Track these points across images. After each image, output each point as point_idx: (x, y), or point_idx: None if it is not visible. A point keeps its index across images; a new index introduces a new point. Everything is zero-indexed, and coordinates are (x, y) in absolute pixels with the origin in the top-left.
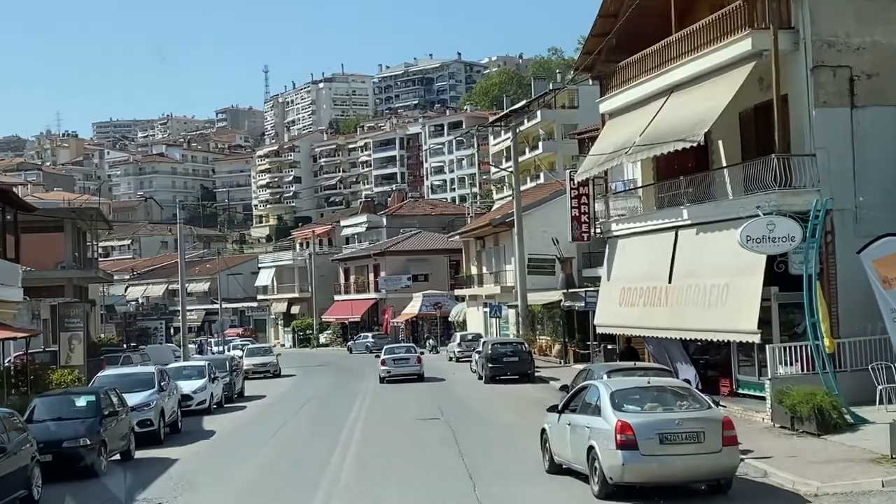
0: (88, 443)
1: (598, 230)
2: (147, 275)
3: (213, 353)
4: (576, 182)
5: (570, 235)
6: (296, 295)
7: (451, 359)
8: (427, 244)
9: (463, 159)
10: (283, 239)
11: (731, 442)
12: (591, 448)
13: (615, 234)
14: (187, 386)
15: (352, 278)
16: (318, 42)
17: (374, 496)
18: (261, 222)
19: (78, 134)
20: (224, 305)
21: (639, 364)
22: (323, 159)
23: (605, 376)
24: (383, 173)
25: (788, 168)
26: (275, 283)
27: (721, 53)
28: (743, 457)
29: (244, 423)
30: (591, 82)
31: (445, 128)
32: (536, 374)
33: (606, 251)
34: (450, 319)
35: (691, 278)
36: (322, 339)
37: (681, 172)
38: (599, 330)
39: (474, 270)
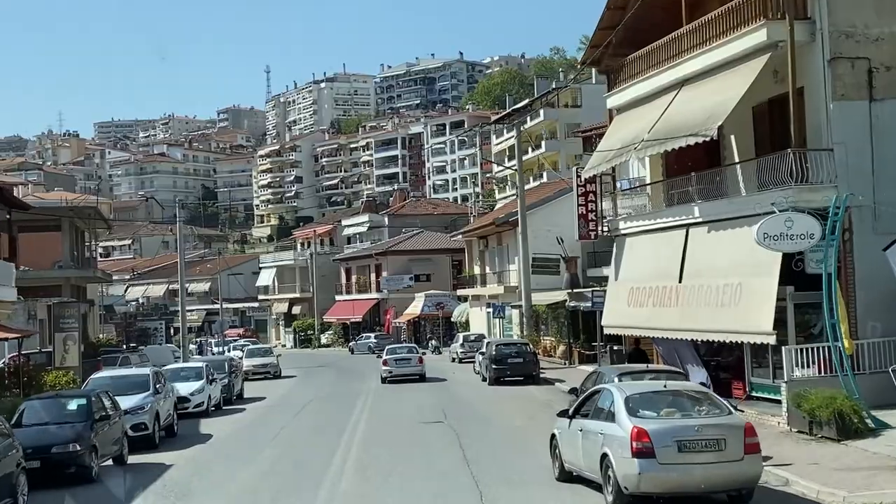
0: (78, 448)
1: (605, 228)
2: (147, 275)
3: (213, 354)
4: (583, 179)
5: (577, 234)
6: (297, 295)
7: (453, 360)
8: (429, 244)
9: (465, 159)
10: (284, 239)
11: (753, 450)
12: (604, 456)
13: (623, 232)
14: (184, 388)
15: (353, 278)
16: (320, 42)
17: None
18: (262, 222)
19: (79, 134)
20: (225, 306)
21: (651, 366)
22: (324, 159)
23: (616, 379)
24: (385, 173)
25: (805, 163)
26: (276, 284)
27: (734, 45)
28: (762, 464)
29: (243, 426)
30: (594, 81)
31: (447, 127)
32: (541, 375)
33: (614, 250)
34: (452, 320)
35: (703, 277)
36: (323, 340)
37: (691, 169)
38: (607, 331)
39: (477, 270)
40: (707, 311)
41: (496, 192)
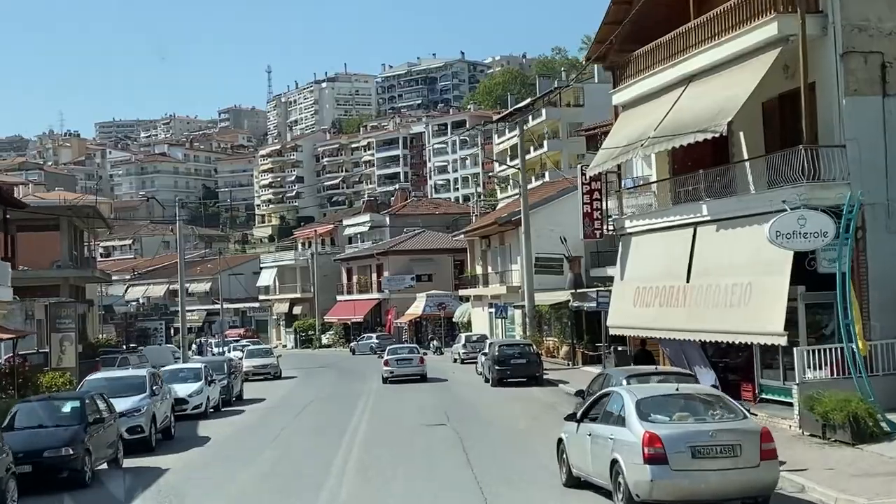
0: (71, 452)
1: (610, 227)
2: (148, 275)
3: (213, 355)
4: (588, 177)
5: (582, 233)
6: (298, 295)
7: (455, 360)
8: (431, 244)
9: (466, 158)
10: (285, 239)
11: (769, 455)
12: (614, 461)
13: (629, 231)
14: (182, 389)
15: (354, 278)
16: (321, 42)
17: None
18: (263, 222)
19: (80, 134)
20: (225, 306)
21: (660, 368)
22: (326, 159)
23: (624, 382)
24: (386, 173)
25: (817, 160)
26: (277, 284)
27: (743, 40)
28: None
29: (241, 428)
30: (596, 80)
31: (449, 127)
32: (545, 376)
33: (619, 249)
34: (454, 320)
35: (711, 277)
36: (324, 340)
37: (698, 167)
38: (612, 331)
39: (479, 270)
40: (716, 312)
41: (498, 191)
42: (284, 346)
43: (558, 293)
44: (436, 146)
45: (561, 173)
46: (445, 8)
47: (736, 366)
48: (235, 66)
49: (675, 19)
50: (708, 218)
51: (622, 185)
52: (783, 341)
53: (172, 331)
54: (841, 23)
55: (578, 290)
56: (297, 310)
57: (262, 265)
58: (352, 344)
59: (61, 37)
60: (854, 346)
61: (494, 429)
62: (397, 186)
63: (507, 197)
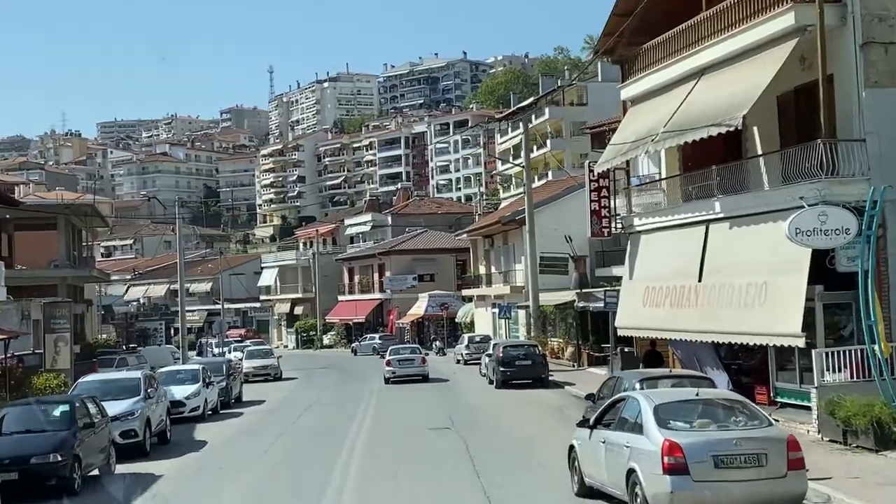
0: (60, 458)
1: (619, 225)
2: (148, 275)
3: (213, 355)
4: (595, 174)
5: (590, 231)
6: (299, 295)
7: (458, 361)
8: (433, 243)
9: (469, 158)
10: (286, 239)
11: (797, 465)
12: (631, 471)
13: (638, 229)
14: (180, 391)
15: (356, 278)
16: (323, 42)
17: None
18: (265, 222)
19: (81, 133)
20: (226, 306)
21: (674, 371)
22: (327, 159)
23: (637, 385)
24: (388, 172)
25: (835, 155)
26: (278, 284)
27: (758, 31)
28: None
29: (239, 432)
30: (600, 79)
31: (451, 127)
32: (550, 378)
33: (628, 248)
34: (457, 321)
35: (724, 276)
36: (326, 341)
37: (709, 163)
38: (621, 332)
39: (482, 270)
40: (729, 312)
41: (500, 191)
42: (286, 346)
43: (563, 293)
44: (438, 146)
45: (565, 171)
46: (447, 8)
47: (749, 368)
48: (237, 66)
49: (685, 11)
50: (721, 215)
51: (631, 182)
52: (801, 343)
53: (172, 331)
54: (860, 12)
55: (584, 290)
56: (298, 310)
57: (263, 265)
58: (354, 344)
59: (61, 37)
60: (877, 348)
61: (500, 433)
62: (399, 186)
63: (509, 197)
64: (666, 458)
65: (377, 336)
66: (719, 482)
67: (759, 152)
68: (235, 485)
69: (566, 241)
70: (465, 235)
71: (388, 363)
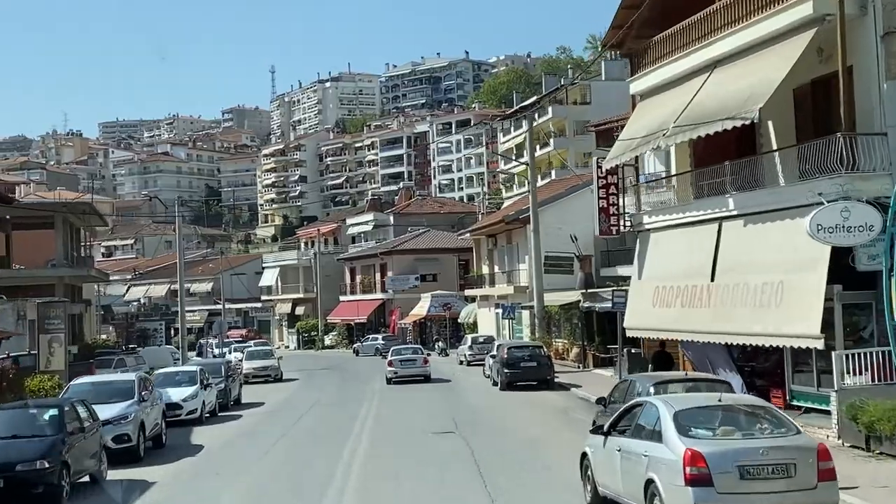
0: (47, 465)
1: (627, 223)
2: (149, 275)
3: (213, 356)
4: (604, 170)
5: (598, 229)
6: (300, 295)
7: (461, 362)
8: (436, 243)
9: (471, 158)
10: (288, 238)
11: (828, 476)
12: (650, 482)
13: (647, 227)
14: (176, 393)
15: (358, 278)
16: (325, 41)
17: None
18: (266, 222)
19: (83, 133)
20: (227, 306)
21: (690, 374)
22: (329, 158)
23: (651, 389)
24: (390, 172)
25: (855, 149)
26: (279, 284)
27: (774, 21)
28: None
29: (238, 435)
30: (603, 77)
31: (453, 126)
32: (556, 380)
33: (637, 246)
34: (459, 321)
35: (738, 275)
36: (327, 341)
37: (721, 159)
38: (630, 333)
39: (486, 270)
40: (744, 312)
41: (503, 191)
42: (287, 346)
43: (568, 293)
44: (440, 145)
45: (571, 168)
46: (449, 7)
47: (764, 370)
48: (238, 66)
49: (697, 2)
50: (734, 212)
51: (640, 179)
52: (820, 344)
53: (173, 331)
54: (882, 1)
55: (589, 290)
56: (299, 310)
57: (264, 265)
58: (355, 345)
59: (61, 37)
60: None
61: (507, 437)
62: (401, 185)
63: (512, 196)
64: (688, 469)
65: (380, 337)
66: (745, 494)
67: (775, 147)
68: (234, 490)
69: (571, 241)
70: (467, 235)
71: (390, 363)
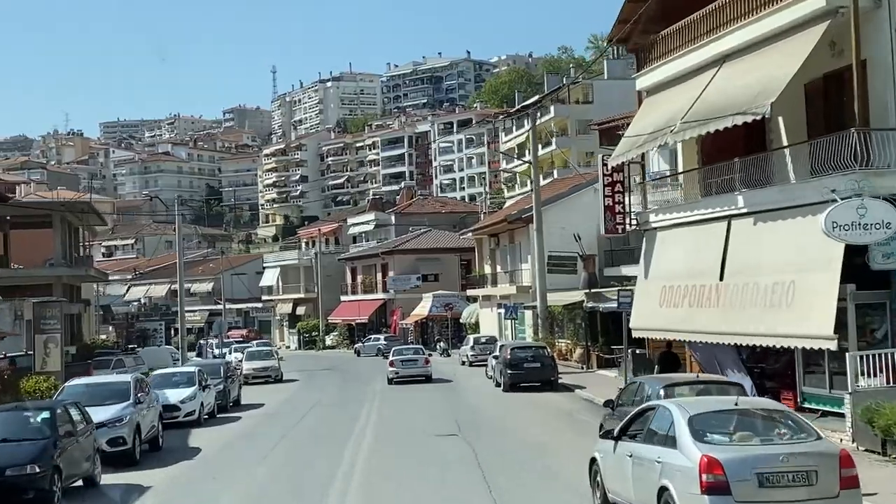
0: (38, 470)
1: (633, 221)
2: (149, 274)
3: (213, 357)
4: (609, 168)
5: (603, 227)
6: (301, 295)
7: (463, 363)
8: (437, 242)
9: (473, 157)
10: (288, 238)
11: (851, 484)
12: (663, 489)
13: (654, 225)
14: (174, 395)
15: (359, 278)
16: (326, 41)
17: None
18: (267, 222)
19: (84, 133)
20: (228, 306)
21: (701, 376)
22: (330, 158)
23: (662, 392)
24: (391, 172)
25: (869, 145)
26: (280, 284)
27: (786, 14)
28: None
29: (236, 437)
30: (606, 76)
31: (455, 126)
32: (560, 381)
33: (643, 245)
34: (461, 321)
35: (748, 275)
36: (328, 342)
37: (729, 156)
38: (636, 333)
39: (488, 269)
40: (754, 313)
41: (505, 190)
42: (287, 347)
43: (572, 293)
44: (441, 145)
45: (574, 167)
46: (450, 7)
47: (774, 372)
48: (239, 66)
49: None
50: (744, 210)
51: (646, 177)
52: (833, 345)
53: (173, 331)
54: None
55: (593, 290)
56: (300, 310)
57: (265, 265)
58: (357, 345)
59: (61, 37)
60: None
61: (511, 440)
62: (403, 185)
63: (514, 196)
64: (704, 476)
65: (382, 337)
66: (764, 503)
67: (785, 143)
68: (230, 495)
69: (575, 240)
70: (469, 234)
71: (392, 363)
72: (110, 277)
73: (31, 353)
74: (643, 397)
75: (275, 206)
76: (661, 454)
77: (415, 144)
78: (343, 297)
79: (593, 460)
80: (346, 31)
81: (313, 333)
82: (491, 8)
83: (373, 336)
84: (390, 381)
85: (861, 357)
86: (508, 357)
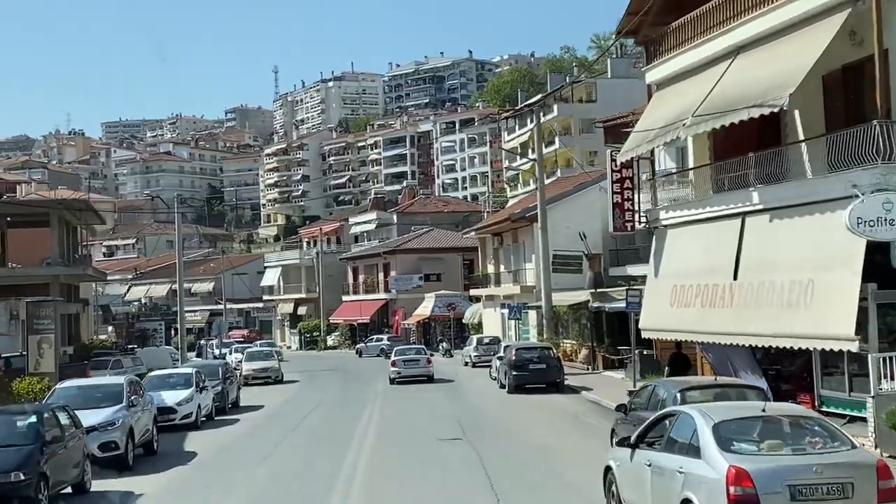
0: (23, 477)
1: (643, 219)
2: (150, 274)
3: (214, 357)
4: (618, 164)
5: (612, 225)
6: (303, 295)
7: (466, 363)
8: (439, 242)
9: (475, 157)
10: (290, 238)
11: (889, 497)
12: (686, 501)
13: (664, 223)
14: (171, 397)
15: (361, 278)
16: (328, 41)
17: None
18: (269, 221)
19: (85, 133)
20: (229, 306)
21: (719, 379)
22: (332, 158)
23: (677, 395)
24: (393, 171)
25: (892, 138)
26: (281, 284)
27: (804, 2)
28: None
29: (234, 441)
30: (609, 75)
31: (457, 125)
32: (565, 382)
33: (653, 244)
34: (464, 321)
35: (764, 273)
36: (330, 342)
37: (742, 151)
38: (646, 334)
39: (491, 269)
40: (770, 313)
41: (507, 190)
42: (289, 347)
43: (577, 293)
44: (444, 144)
45: (580, 165)
46: (452, 7)
47: (790, 374)
48: (241, 66)
49: None
50: (759, 207)
51: (656, 173)
52: (854, 346)
53: (173, 332)
54: None
55: (598, 290)
56: (301, 310)
57: (266, 265)
58: (359, 346)
59: (61, 37)
60: None
61: (518, 444)
62: (405, 184)
63: (517, 195)
64: (732, 489)
65: (385, 337)
66: None
67: (801, 137)
68: (229, 500)
69: (580, 239)
70: (472, 234)
71: (394, 363)
72: (111, 277)
73: (26, 353)
74: (658, 401)
75: (276, 205)
76: (683, 464)
77: (417, 144)
78: (345, 297)
79: (608, 469)
80: (347, 31)
81: (315, 334)
82: (493, 8)
83: (375, 336)
84: (392, 381)
85: (884, 359)
86: (513, 358)
